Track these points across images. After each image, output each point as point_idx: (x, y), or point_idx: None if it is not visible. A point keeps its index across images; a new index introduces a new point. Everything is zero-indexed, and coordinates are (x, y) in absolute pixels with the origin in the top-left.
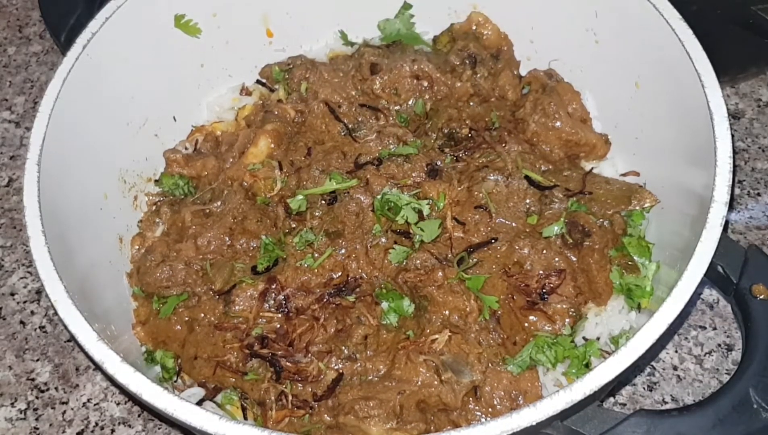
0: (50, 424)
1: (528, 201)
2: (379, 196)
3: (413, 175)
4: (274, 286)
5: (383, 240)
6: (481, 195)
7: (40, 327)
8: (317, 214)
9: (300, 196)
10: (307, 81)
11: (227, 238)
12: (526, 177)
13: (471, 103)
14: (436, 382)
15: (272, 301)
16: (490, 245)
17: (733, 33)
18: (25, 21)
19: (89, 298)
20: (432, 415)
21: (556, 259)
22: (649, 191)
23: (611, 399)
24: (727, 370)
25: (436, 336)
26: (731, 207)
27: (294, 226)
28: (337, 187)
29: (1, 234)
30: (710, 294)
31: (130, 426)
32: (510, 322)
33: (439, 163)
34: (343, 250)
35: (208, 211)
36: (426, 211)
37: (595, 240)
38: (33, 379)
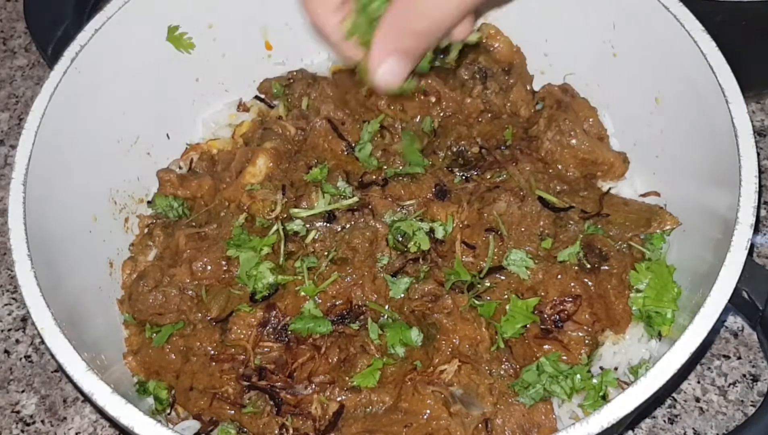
0: None
1: (542, 223)
2: (388, 222)
3: (420, 196)
4: (273, 314)
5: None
6: (492, 217)
7: (25, 356)
8: (317, 237)
9: (299, 221)
10: (308, 96)
11: (224, 263)
12: (540, 198)
13: (481, 120)
14: (444, 415)
15: (271, 330)
16: (502, 270)
17: (759, 46)
18: (10, 33)
19: (78, 326)
20: None
21: (572, 284)
22: (670, 213)
23: (630, 433)
24: (752, 401)
25: (445, 366)
26: (757, 229)
27: (293, 250)
28: (334, 207)
29: None
30: (734, 321)
31: None
32: (523, 352)
33: (447, 183)
34: (349, 278)
35: (203, 234)
36: (440, 233)
37: (612, 264)
38: (18, 412)
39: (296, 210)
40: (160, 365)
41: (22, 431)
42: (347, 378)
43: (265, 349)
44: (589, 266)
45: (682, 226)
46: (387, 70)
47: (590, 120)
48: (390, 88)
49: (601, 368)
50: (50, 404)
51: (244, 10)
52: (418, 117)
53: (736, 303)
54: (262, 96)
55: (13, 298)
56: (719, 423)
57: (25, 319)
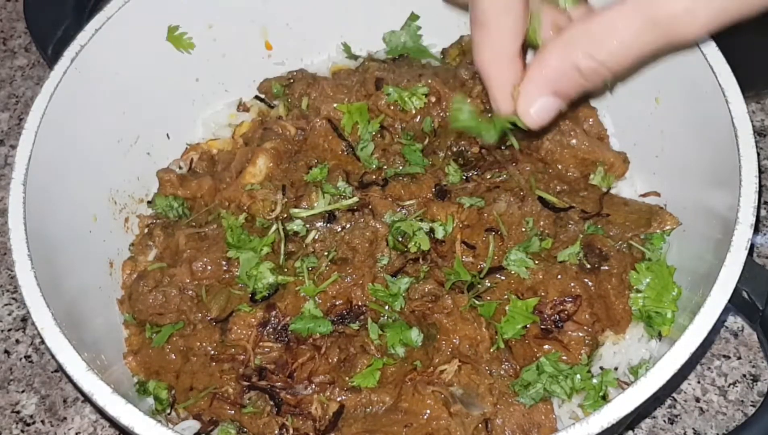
0: None
1: (542, 223)
2: (388, 222)
3: (420, 196)
4: (273, 314)
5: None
6: (492, 217)
7: (25, 356)
8: (317, 237)
9: (299, 221)
10: (308, 96)
11: (224, 263)
12: (540, 198)
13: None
14: (444, 415)
15: (271, 330)
16: (502, 271)
17: (759, 45)
18: (10, 33)
19: (78, 326)
20: None
21: (572, 284)
22: (670, 213)
23: (630, 433)
24: (752, 401)
25: (445, 366)
26: (757, 229)
27: (293, 250)
28: (334, 207)
29: None
30: (735, 321)
31: None
32: (523, 352)
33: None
34: (349, 278)
35: (203, 234)
36: (440, 233)
37: (613, 264)
38: (18, 412)
39: (296, 210)
40: (160, 365)
41: (22, 431)
42: (347, 378)
43: (265, 349)
44: (589, 266)
45: (682, 226)
46: (538, 109)
47: (590, 120)
48: (539, 125)
49: (601, 368)
50: (50, 404)
51: (244, 10)
52: (418, 117)
53: (736, 303)
54: (262, 96)
55: (13, 298)
56: (719, 423)
57: (25, 319)
